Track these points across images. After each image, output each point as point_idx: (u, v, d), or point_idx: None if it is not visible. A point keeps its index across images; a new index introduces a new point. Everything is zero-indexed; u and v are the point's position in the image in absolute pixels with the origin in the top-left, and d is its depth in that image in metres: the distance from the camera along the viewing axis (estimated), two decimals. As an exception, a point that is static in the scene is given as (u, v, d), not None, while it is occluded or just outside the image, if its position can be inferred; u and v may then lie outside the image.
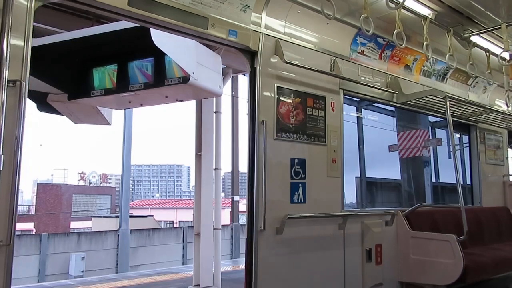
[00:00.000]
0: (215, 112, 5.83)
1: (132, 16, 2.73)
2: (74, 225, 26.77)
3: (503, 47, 4.74)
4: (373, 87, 4.28)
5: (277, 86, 3.41)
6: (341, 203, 3.78)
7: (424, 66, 4.87)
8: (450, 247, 3.91)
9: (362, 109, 4.88)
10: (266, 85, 3.34)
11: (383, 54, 4.37)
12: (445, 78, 5.25)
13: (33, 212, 28.80)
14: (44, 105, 4.80)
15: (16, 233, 2.11)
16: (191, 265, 6.43)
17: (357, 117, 4.83)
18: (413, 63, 4.74)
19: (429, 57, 4.26)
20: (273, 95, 3.38)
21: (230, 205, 15.67)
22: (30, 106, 4.63)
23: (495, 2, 4.29)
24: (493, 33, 4.83)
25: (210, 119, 5.74)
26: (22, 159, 2.08)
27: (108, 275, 9.83)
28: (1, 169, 1.97)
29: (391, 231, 4.22)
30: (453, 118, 4.94)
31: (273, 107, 3.37)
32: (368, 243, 3.92)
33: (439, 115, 5.20)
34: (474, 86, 5.68)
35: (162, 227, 24.76)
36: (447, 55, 4.47)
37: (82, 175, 46.84)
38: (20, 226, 22.31)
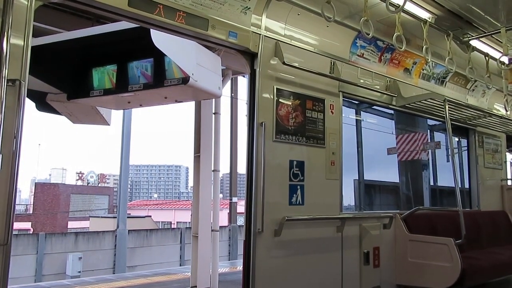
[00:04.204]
0: (214, 113, 5.84)
1: (133, 16, 2.73)
2: (72, 225, 26.69)
3: (502, 51, 4.75)
4: (372, 90, 4.29)
5: (277, 88, 3.42)
6: (339, 205, 3.78)
7: (423, 70, 4.88)
8: (448, 251, 3.92)
9: (361, 112, 4.88)
10: (265, 87, 3.35)
11: (382, 57, 4.38)
12: (444, 82, 5.26)
13: (30, 211, 28.70)
14: (43, 104, 4.80)
15: (14, 233, 2.10)
16: (188, 266, 6.42)
17: (356, 119, 4.83)
18: (412, 67, 4.75)
19: (429, 60, 4.27)
20: (272, 97, 3.38)
21: (228, 206, 15.64)
22: (29, 105, 4.63)
23: (495, 7, 4.31)
24: (493, 37, 4.84)
25: (209, 120, 5.74)
26: (21, 159, 2.08)
27: (105, 275, 9.81)
28: (0, 168, 1.97)
29: (389, 234, 4.22)
30: (452, 122, 4.95)
31: (273, 109, 3.37)
32: (366, 246, 3.92)
33: (438, 118, 5.21)
34: (473, 90, 5.69)
35: (160, 227, 24.70)
36: (446, 59, 4.48)
37: (80, 175, 46.80)
38: (17, 225, 22.25)
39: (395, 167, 5.54)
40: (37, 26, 3.26)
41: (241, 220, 16.28)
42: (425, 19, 4.18)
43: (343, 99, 3.98)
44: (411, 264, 4.13)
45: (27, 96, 2.41)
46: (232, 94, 12.86)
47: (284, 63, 3.39)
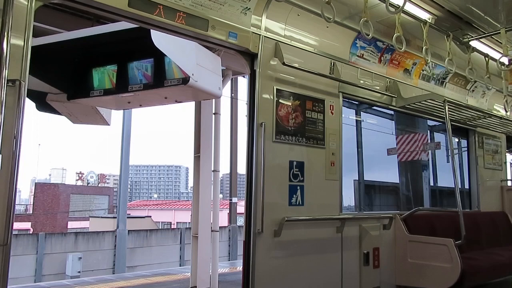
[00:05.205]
0: (214, 113, 5.85)
1: (133, 17, 2.73)
2: (72, 225, 26.71)
3: (502, 52, 4.75)
4: (372, 90, 4.29)
5: (277, 89, 3.42)
6: (339, 206, 3.78)
7: (423, 70, 4.88)
8: (447, 251, 3.91)
9: (361, 112, 4.88)
10: (265, 88, 3.35)
11: (382, 58, 4.38)
12: (444, 83, 5.26)
13: (30, 211, 28.71)
14: (43, 104, 4.80)
15: (13, 233, 2.10)
16: (188, 267, 6.43)
17: (356, 120, 4.84)
18: (412, 67, 4.75)
19: (428, 61, 4.27)
20: (272, 98, 3.38)
21: (228, 207, 15.64)
22: (29, 105, 4.63)
23: (495, 8, 4.31)
24: (492, 38, 4.84)
25: (209, 121, 5.74)
26: (21, 159, 2.08)
27: (105, 275, 9.81)
28: (0, 168, 1.97)
29: (389, 234, 4.22)
30: (452, 123, 4.95)
31: (272, 110, 3.37)
32: (365, 247, 3.92)
33: (438, 119, 5.21)
34: (473, 90, 5.69)
35: (160, 228, 24.71)
36: (446, 60, 4.48)
37: (80, 175, 46.81)
38: (17, 225, 22.26)
39: (395, 167, 5.54)
40: (37, 26, 3.26)
41: (241, 221, 16.28)
42: (425, 19, 4.18)
43: (343, 100, 3.98)
44: (411, 265, 4.13)
45: (27, 96, 2.40)
46: (232, 95, 12.87)
47: (284, 63, 3.39)
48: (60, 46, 4.05)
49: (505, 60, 4.93)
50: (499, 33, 4.57)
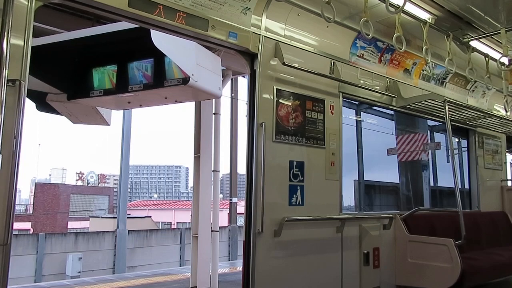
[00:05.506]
0: (214, 113, 5.85)
1: (133, 17, 2.74)
2: (72, 225, 26.72)
3: (502, 52, 4.75)
4: (372, 90, 4.29)
5: (277, 89, 3.42)
6: (339, 206, 3.78)
7: (423, 70, 4.88)
8: (447, 251, 3.92)
9: (361, 112, 4.88)
10: (265, 88, 3.35)
11: (382, 58, 4.38)
12: (444, 83, 5.26)
13: (30, 211, 28.72)
14: (43, 104, 4.80)
15: (13, 233, 2.10)
16: (188, 267, 6.43)
17: (356, 120, 4.84)
18: (412, 67, 4.75)
19: (429, 61, 4.27)
20: (272, 98, 3.38)
21: (228, 207, 15.64)
22: (29, 105, 4.63)
23: (495, 8, 4.31)
24: (493, 38, 4.85)
25: (209, 121, 5.75)
26: (21, 159, 2.08)
27: (105, 275, 9.81)
28: (0, 168, 1.97)
29: (389, 234, 4.22)
30: (452, 123, 4.95)
31: (272, 110, 3.37)
32: (366, 247, 3.92)
33: (438, 119, 5.21)
34: (473, 90, 5.69)
35: (160, 228, 24.72)
36: (446, 60, 4.48)
37: (80, 175, 46.84)
38: (17, 225, 22.26)
39: (395, 167, 5.54)
40: (37, 26, 3.26)
41: (241, 221, 16.28)
42: (425, 19, 4.18)
43: (343, 100, 3.98)
44: (411, 265, 4.13)
45: (27, 96, 2.41)
46: (232, 95, 12.86)
47: (284, 63, 3.39)
48: (60, 46, 4.05)
49: (505, 60, 4.94)
50: (499, 33, 4.57)
